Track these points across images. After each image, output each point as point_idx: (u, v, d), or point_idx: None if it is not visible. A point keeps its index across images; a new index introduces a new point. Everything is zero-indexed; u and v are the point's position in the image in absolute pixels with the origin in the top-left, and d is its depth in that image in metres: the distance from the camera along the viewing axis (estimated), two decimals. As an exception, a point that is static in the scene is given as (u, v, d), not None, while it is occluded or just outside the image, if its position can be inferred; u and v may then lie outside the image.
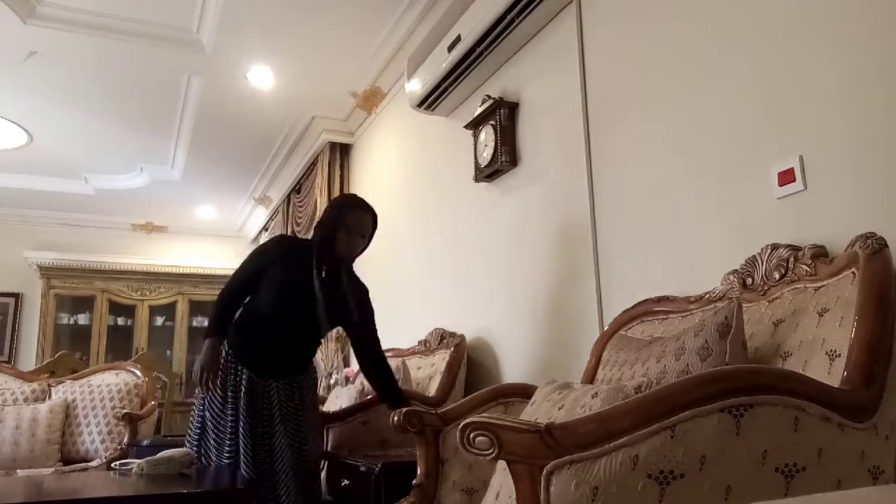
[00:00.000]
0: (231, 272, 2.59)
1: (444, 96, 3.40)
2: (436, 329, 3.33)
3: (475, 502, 1.95)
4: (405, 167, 4.23)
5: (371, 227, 2.61)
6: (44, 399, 4.12)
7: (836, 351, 1.32)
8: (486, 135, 3.05)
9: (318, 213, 5.12)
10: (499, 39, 2.89)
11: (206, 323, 7.69)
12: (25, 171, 6.21)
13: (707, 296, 1.83)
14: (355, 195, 2.83)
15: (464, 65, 3.12)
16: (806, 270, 1.55)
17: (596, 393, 1.49)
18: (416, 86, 3.50)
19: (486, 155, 3.05)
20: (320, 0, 3.67)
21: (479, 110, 3.08)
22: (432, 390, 2.96)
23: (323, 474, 2.75)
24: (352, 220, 2.54)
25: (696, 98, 2.05)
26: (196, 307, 7.70)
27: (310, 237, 2.67)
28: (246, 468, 2.31)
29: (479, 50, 2.99)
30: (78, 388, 4.14)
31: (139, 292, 7.51)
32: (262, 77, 4.44)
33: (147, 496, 1.96)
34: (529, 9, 2.69)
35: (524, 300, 2.84)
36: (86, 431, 3.98)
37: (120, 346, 7.25)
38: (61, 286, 7.22)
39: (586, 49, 2.58)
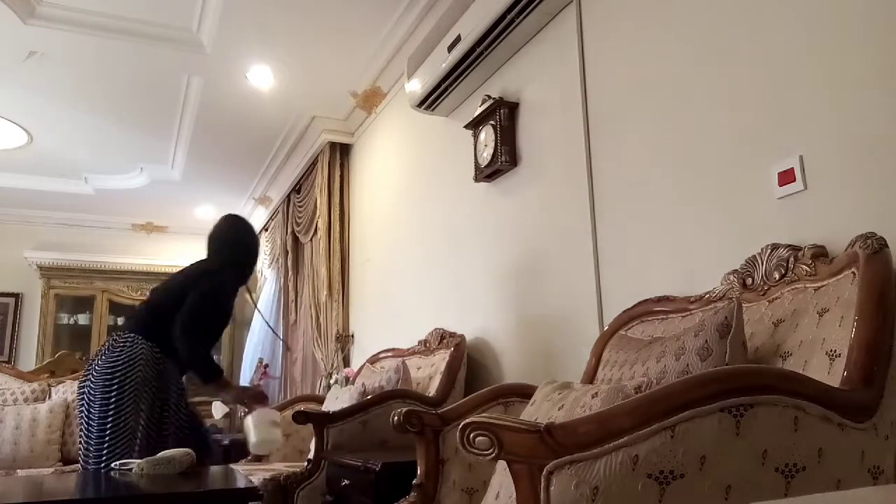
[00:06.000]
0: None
1: (444, 96, 3.39)
2: (436, 329, 3.33)
3: (475, 502, 1.95)
4: (405, 167, 4.22)
5: None
6: (44, 399, 4.12)
7: (836, 351, 1.32)
8: (486, 135, 3.05)
9: (317, 214, 5.12)
10: (499, 39, 2.89)
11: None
12: (25, 171, 6.21)
13: (707, 296, 1.83)
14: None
15: (464, 65, 3.11)
16: (806, 270, 1.55)
17: (596, 393, 1.49)
18: (416, 86, 3.50)
19: (486, 155, 3.05)
20: (320, 0, 3.67)
21: (479, 110, 3.07)
22: (432, 390, 2.96)
23: (323, 474, 2.76)
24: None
25: (696, 98, 2.05)
26: (196, 307, 7.66)
27: (218, 256, 3.28)
28: None
29: (479, 50, 2.99)
30: (78, 388, 4.13)
31: (139, 292, 7.49)
32: (262, 77, 4.44)
33: (147, 496, 1.96)
34: (529, 9, 2.69)
35: (524, 300, 2.84)
36: (86, 431, 3.97)
37: (120, 346, 7.23)
38: (61, 286, 7.21)
39: (586, 49, 2.58)
